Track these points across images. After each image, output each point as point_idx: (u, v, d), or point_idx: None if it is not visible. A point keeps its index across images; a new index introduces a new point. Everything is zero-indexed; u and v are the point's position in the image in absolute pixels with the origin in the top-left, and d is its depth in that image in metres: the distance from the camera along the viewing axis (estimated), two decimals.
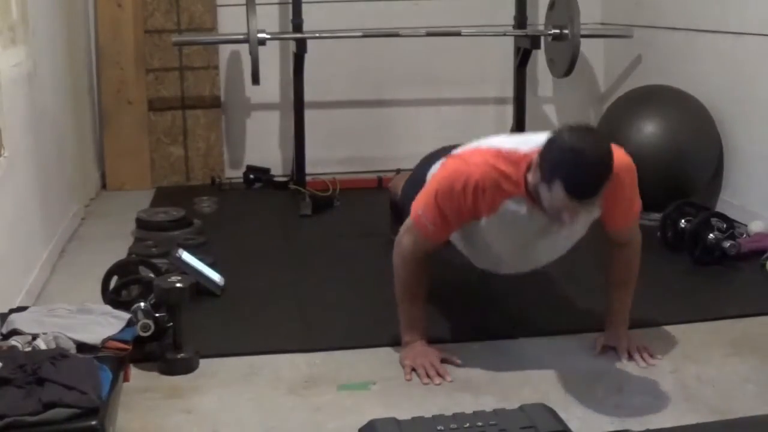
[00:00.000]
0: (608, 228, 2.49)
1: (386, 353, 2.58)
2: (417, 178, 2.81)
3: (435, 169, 2.63)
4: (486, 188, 2.34)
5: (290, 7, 4.37)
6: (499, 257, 2.62)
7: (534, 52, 4.60)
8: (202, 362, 2.52)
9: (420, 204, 2.45)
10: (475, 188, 2.34)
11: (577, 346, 2.62)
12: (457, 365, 2.50)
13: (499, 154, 2.37)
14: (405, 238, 2.50)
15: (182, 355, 2.49)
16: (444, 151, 2.67)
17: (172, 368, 2.47)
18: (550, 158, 2.19)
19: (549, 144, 2.22)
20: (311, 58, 4.34)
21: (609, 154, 2.19)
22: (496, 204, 2.36)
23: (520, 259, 2.62)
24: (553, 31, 4.42)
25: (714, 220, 3.32)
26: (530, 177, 2.29)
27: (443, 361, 2.49)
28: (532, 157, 2.30)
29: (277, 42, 4.69)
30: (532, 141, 2.35)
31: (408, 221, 2.51)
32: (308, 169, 4.50)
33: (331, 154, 4.91)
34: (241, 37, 4.09)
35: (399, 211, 3.39)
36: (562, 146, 2.17)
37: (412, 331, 2.54)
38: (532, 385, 2.39)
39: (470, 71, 4.98)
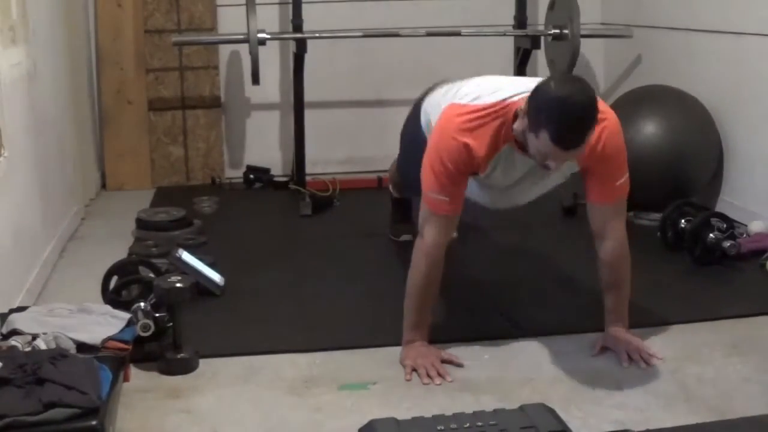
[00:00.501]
0: (590, 198, 2.53)
1: (386, 353, 2.58)
2: (410, 125, 2.93)
3: (429, 107, 2.74)
4: (478, 148, 2.40)
5: (290, 7, 4.37)
6: (489, 195, 2.71)
7: (534, 52, 4.60)
8: (202, 362, 2.52)
9: (426, 189, 2.48)
10: (467, 149, 2.40)
11: (577, 346, 2.62)
12: (460, 366, 2.50)
13: (484, 109, 2.41)
14: (426, 231, 2.49)
15: (182, 355, 2.49)
16: (429, 90, 2.83)
17: (172, 368, 2.47)
18: (537, 109, 2.24)
19: (536, 94, 2.27)
20: (311, 58, 4.34)
21: (594, 105, 2.24)
22: (490, 157, 2.44)
23: (510, 195, 2.71)
24: (553, 31, 4.42)
25: (714, 220, 3.32)
26: (517, 124, 2.33)
27: (443, 361, 2.49)
28: (519, 105, 2.34)
29: (277, 42, 4.70)
30: (520, 85, 2.40)
31: (422, 213, 2.51)
32: (308, 169, 4.50)
33: (331, 154, 4.92)
34: (241, 37, 4.09)
35: (400, 206, 3.41)
36: (549, 97, 2.23)
37: (414, 331, 2.55)
38: (532, 385, 2.39)
39: (470, 71, 4.96)
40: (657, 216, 3.61)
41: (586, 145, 2.31)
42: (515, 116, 2.36)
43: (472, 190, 2.65)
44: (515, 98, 2.38)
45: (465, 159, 2.41)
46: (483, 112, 2.41)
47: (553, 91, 2.23)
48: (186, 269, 2.98)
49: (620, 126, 2.49)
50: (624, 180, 2.52)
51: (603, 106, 2.40)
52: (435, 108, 2.66)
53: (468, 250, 3.52)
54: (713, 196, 4.00)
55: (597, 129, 2.35)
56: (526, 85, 2.39)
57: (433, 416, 2.04)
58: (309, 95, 4.46)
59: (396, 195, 3.62)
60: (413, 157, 2.67)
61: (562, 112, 2.19)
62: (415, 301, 2.55)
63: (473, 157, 2.40)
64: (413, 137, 2.83)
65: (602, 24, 5.07)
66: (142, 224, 3.78)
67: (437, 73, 4.91)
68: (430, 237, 2.49)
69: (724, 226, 3.30)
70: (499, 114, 2.39)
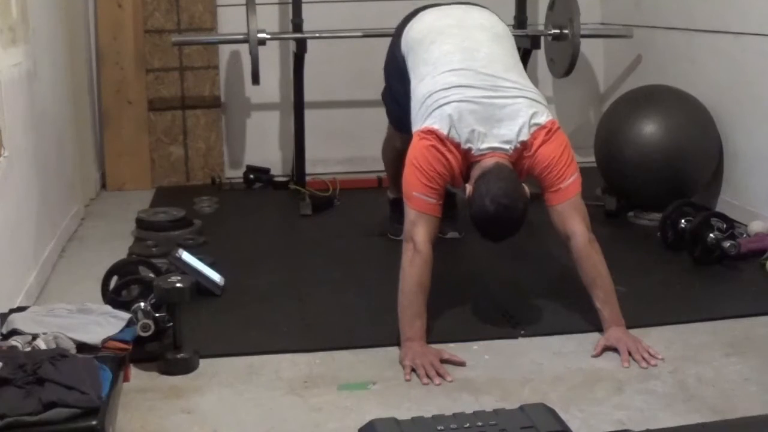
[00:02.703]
0: (547, 203, 2.69)
1: (386, 353, 2.58)
2: (389, 56, 3.16)
3: (406, 46, 2.98)
4: (452, 159, 2.66)
5: (290, 7, 4.37)
6: None
7: (534, 52, 4.60)
8: (202, 362, 2.52)
9: (410, 190, 2.63)
10: (444, 156, 2.64)
11: (577, 346, 2.62)
12: (461, 364, 2.50)
13: (451, 144, 2.63)
14: (417, 232, 2.59)
15: (182, 355, 2.49)
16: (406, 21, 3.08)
17: (172, 368, 2.47)
18: (472, 214, 2.58)
19: (474, 198, 2.56)
20: (311, 58, 4.34)
21: (514, 222, 2.56)
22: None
23: None
24: (553, 31, 4.42)
25: (714, 220, 3.31)
26: (468, 188, 2.61)
27: (443, 361, 2.49)
28: (476, 160, 2.62)
29: (277, 42, 4.69)
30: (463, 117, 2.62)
31: (411, 217, 2.62)
32: (308, 169, 4.50)
33: (331, 154, 4.92)
34: (241, 37, 4.09)
35: (398, 206, 3.42)
36: (480, 211, 2.54)
37: (412, 331, 2.55)
38: (532, 385, 2.39)
39: None
40: (657, 216, 3.61)
41: (526, 158, 2.64)
42: (469, 168, 2.64)
43: None
44: (482, 148, 2.61)
45: (444, 161, 2.61)
46: (449, 147, 2.62)
47: (484, 208, 2.52)
48: (186, 269, 2.98)
49: (558, 133, 2.68)
50: (571, 181, 2.66)
51: (540, 118, 2.65)
52: (409, 46, 2.96)
53: (468, 250, 3.52)
54: (713, 196, 4.00)
55: (536, 143, 2.64)
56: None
57: (433, 416, 2.04)
58: (309, 95, 4.45)
59: (393, 195, 3.64)
60: (394, 74, 3.06)
61: (487, 228, 2.59)
62: (411, 301, 2.57)
63: (449, 160, 2.62)
64: (391, 58, 3.13)
65: (602, 24, 5.07)
66: (142, 224, 3.78)
67: None
68: (421, 236, 2.58)
69: (724, 226, 3.29)
70: (461, 155, 2.63)
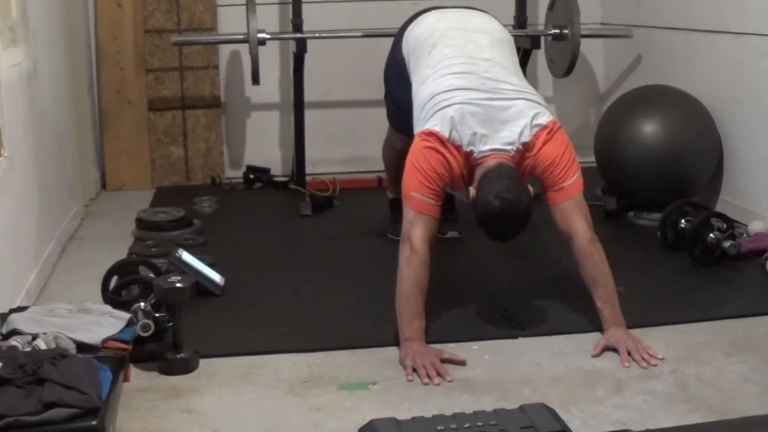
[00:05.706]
0: (549, 202, 2.70)
1: (386, 353, 2.58)
2: (390, 64, 3.21)
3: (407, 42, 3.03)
4: (453, 162, 2.65)
5: (290, 7, 4.37)
6: None
7: (534, 52, 4.60)
8: (202, 362, 2.52)
9: (409, 190, 2.63)
10: (445, 158, 2.64)
11: (577, 346, 2.62)
12: (462, 363, 2.50)
13: (452, 146, 2.63)
14: (414, 232, 2.60)
15: (182, 355, 2.49)
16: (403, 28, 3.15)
17: (172, 368, 2.47)
18: (477, 213, 2.58)
19: (479, 197, 2.55)
20: (311, 58, 4.34)
21: (521, 218, 2.54)
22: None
23: None
24: (553, 31, 4.42)
25: (714, 220, 3.31)
26: (471, 190, 2.61)
27: (444, 360, 2.49)
28: (479, 163, 2.61)
29: (277, 42, 4.70)
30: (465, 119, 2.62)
31: (408, 218, 2.62)
32: (308, 169, 4.50)
33: (331, 154, 4.92)
34: (241, 37, 4.09)
35: (398, 206, 3.43)
36: (486, 210, 2.53)
37: (411, 331, 2.55)
38: (532, 385, 2.39)
39: None
40: (657, 216, 3.61)
41: (528, 159, 2.64)
42: (471, 171, 2.64)
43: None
44: (484, 150, 2.61)
45: (444, 162, 2.61)
46: (450, 149, 2.62)
47: (489, 205, 2.51)
48: (186, 269, 2.98)
49: (560, 132, 2.68)
50: (574, 180, 2.67)
51: (541, 119, 2.65)
52: (411, 49, 2.99)
53: (469, 250, 3.53)
54: (713, 196, 4.00)
55: (538, 143, 2.64)
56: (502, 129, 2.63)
57: (433, 416, 2.04)
58: (309, 95, 4.45)
59: (393, 195, 3.65)
60: (395, 77, 3.09)
61: (494, 226, 2.57)
62: (409, 301, 2.57)
63: (450, 162, 2.62)
64: (392, 61, 3.18)
65: (602, 24, 5.07)
66: (142, 224, 3.78)
67: None
68: (418, 236, 2.59)
69: (724, 226, 3.29)
70: (463, 158, 2.63)
